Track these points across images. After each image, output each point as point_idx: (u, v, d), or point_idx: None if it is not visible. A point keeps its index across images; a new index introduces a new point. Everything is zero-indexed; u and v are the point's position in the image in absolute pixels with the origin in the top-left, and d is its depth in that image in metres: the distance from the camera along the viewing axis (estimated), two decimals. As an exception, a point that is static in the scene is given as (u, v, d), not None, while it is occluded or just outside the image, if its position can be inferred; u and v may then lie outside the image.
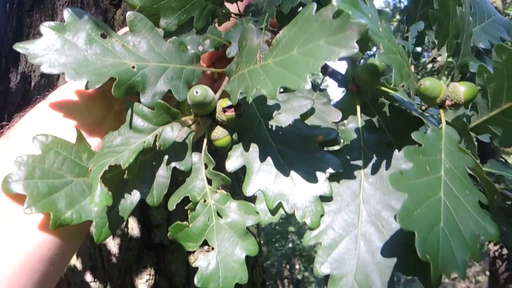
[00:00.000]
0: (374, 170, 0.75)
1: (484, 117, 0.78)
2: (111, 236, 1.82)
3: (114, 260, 1.97)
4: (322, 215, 0.70)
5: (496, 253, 5.52)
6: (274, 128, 0.74)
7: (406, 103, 0.78)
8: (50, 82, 2.01)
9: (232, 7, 0.83)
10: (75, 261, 1.90)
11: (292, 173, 0.71)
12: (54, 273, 0.69)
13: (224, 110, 0.71)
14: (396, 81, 0.69)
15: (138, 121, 0.69)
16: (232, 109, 0.71)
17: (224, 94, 0.73)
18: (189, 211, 0.71)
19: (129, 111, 0.69)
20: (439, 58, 0.99)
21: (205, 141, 0.74)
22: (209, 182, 0.73)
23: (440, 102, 0.74)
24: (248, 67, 0.65)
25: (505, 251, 5.27)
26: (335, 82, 0.87)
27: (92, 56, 0.68)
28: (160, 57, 0.73)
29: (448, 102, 0.75)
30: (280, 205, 0.70)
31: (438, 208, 0.62)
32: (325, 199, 0.70)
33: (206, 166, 0.73)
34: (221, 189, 0.73)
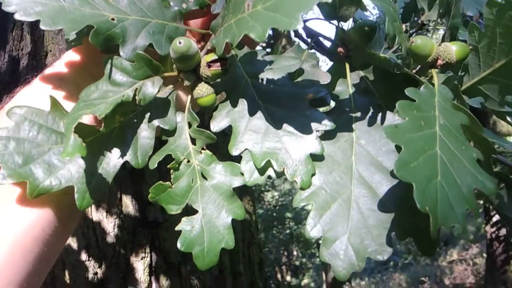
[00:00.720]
0: (366, 132, 0.73)
1: (476, 78, 0.77)
2: (105, 214, 1.91)
3: (108, 238, 1.95)
4: (313, 174, 0.67)
5: (493, 235, 5.55)
6: (261, 86, 0.72)
7: (399, 65, 0.77)
8: (38, 61, 1.97)
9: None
10: (69, 240, 1.88)
11: (281, 132, 0.68)
12: (50, 254, 0.66)
13: (209, 64, 0.68)
14: (389, 30, 0.68)
15: (117, 75, 0.66)
16: (218, 64, 0.68)
17: (209, 52, 0.70)
18: (171, 171, 0.67)
19: (108, 65, 0.66)
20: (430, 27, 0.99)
21: (188, 98, 0.71)
22: (193, 142, 0.70)
23: (431, 61, 0.74)
24: (236, 17, 0.63)
25: (502, 232, 5.31)
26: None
27: (69, 6, 0.65)
28: (141, 11, 0.70)
29: (439, 62, 0.74)
30: (268, 164, 0.67)
31: (435, 162, 0.60)
32: (316, 157, 0.68)
33: (189, 125, 0.70)
34: (206, 150, 0.69)
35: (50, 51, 1.89)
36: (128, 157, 0.67)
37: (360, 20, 0.85)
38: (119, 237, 1.98)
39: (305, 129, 0.68)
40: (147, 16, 0.70)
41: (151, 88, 0.66)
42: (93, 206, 1.90)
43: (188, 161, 0.68)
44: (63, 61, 0.73)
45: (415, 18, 1.09)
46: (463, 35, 0.97)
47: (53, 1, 0.65)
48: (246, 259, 2.29)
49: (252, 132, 0.69)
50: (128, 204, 2.03)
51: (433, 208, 0.56)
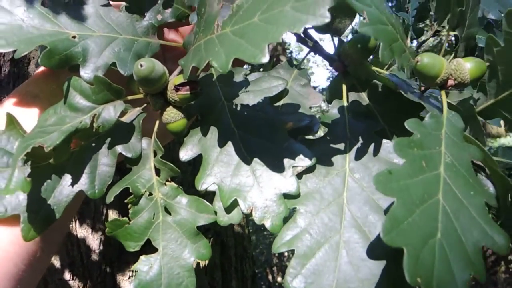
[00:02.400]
0: (362, 164, 0.65)
1: (494, 99, 0.68)
2: (90, 231, 1.79)
3: (94, 256, 1.87)
4: (285, 217, 0.61)
5: None
6: (238, 111, 0.66)
7: (403, 84, 0.68)
8: (20, 68, 1.93)
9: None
10: (52, 258, 1.81)
11: (254, 164, 0.63)
12: (28, 282, 0.65)
13: (177, 88, 0.63)
14: (384, 58, 0.58)
15: (76, 98, 0.63)
16: (187, 87, 0.63)
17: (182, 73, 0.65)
18: (129, 205, 0.64)
19: (66, 86, 0.63)
20: (444, 33, 0.88)
21: (156, 124, 0.67)
22: (158, 172, 0.65)
23: (441, 81, 0.64)
24: (205, 37, 0.58)
25: None
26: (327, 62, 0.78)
27: (28, 26, 0.62)
28: (108, 27, 0.66)
29: (450, 82, 0.65)
30: (235, 203, 0.62)
31: (435, 215, 0.52)
32: (291, 197, 0.61)
33: (155, 153, 0.66)
34: (171, 182, 0.65)
35: (33, 58, 1.85)
36: (83, 185, 0.64)
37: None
38: (105, 254, 1.88)
39: (280, 164, 0.62)
40: (114, 31, 0.66)
41: (112, 113, 0.63)
42: (77, 222, 1.81)
43: (150, 194, 0.64)
44: (37, 76, 0.71)
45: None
46: (482, 40, 0.86)
47: (11, 19, 0.62)
48: (239, 275, 2.21)
49: (223, 164, 0.64)
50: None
51: (427, 279, 0.47)
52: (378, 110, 0.71)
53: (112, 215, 1.90)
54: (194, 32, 0.63)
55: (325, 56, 0.73)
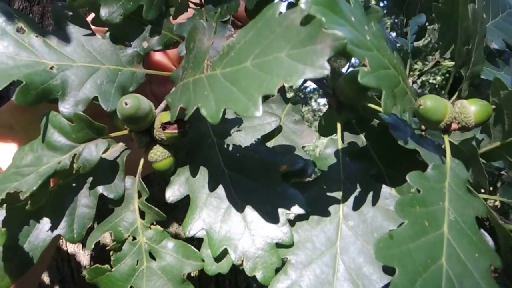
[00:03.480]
0: (356, 210, 0.63)
1: (499, 142, 0.67)
2: (80, 246, 1.76)
3: (84, 272, 1.84)
4: (277, 268, 0.59)
5: None
6: (228, 150, 0.63)
7: (399, 125, 0.66)
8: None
9: (192, -5, 0.72)
10: (43, 275, 1.76)
11: (246, 210, 0.60)
12: None
13: (164, 126, 0.60)
14: (387, 107, 0.55)
15: (54, 136, 0.59)
16: (174, 126, 0.60)
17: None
18: (111, 252, 0.61)
19: (44, 122, 0.59)
20: (445, 64, 0.86)
21: (141, 162, 0.64)
22: (142, 215, 0.63)
23: (444, 126, 0.62)
24: (194, 76, 0.54)
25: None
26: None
27: (1, 55, 0.58)
28: (90, 56, 0.62)
29: (454, 126, 0.63)
30: (225, 252, 0.60)
31: (438, 282, 0.50)
32: (284, 246, 0.59)
33: (139, 194, 0.63)
34: (156, 225, 0.62)
35: None
36: (61, 229, 0.61)
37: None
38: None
39: (273, 211, 0.59)
40: (96, 61, 0.62)
41: (94, 152, 0.59)
42: None
43: (134, 238, 0.62)
44: (11, 105, 0.68)
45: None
46: (485, 72, 0.84)
47: (-18, 47, 0.58)
48: (233, 287, 2.20)
49: (212, 208, 0.61)
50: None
51: None
52: (375, 149, 0.69)
53: None
54: (183, 66, 0.60)
55: (322, 85, 0.70)
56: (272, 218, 0.59)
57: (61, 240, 1.72)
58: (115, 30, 0.64)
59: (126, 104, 0.57)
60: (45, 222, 0.60)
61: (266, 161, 0.62)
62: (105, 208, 0.64)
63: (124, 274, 0.61)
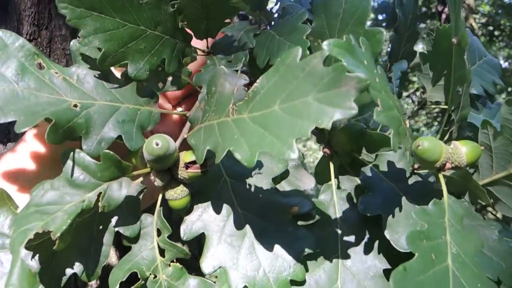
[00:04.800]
0: (353, 251, 0.69)
1: (487, 180, 0.74)
2: None
3: None
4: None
5: None
6: (241, 190, 0.67)
7: (385, 177, 0.73)
8: None
9: (200, 44, 0.77)
10: None
11: (260, 249, 0.64)
12: None
13: (187, 165, 0.64)
14: (394, 146, 0.62)
15: (77, 174, 0.61)
16: (197, 165, 0.64)
17: (186, 145, 0.66)
18: (135, 291, 0.62)
19: (69, 161, 0.60)
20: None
21: (159, 200, 0.66)
22: (162, 252, 0.65)
23: (440, 165, 0.68)
24: (218, 119, 0.58)
25: None
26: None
27: (23, 91, 0.60)
28: (110, 94, 0.65)
29: (448, 165, 0.69)
30: None
31: None
32: (297, 284, 0.64)
33: (159, 232, 0.66)
34: (176, 262, 0.65)
35: None
36: (77, 267, 0.62)
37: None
38: (102, 290, 1.82)
39: (287, 250, 0.64)
40: (116, 100, 0.65)
41: (118, 191, 0.61)
42: None
43: (155, 276, 0.64)
44: (26, 148, 0.68)
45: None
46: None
47: (4, 83, 0.59)
48: None
49: (227, 245, 0.65)
50: (112, 254, 1.94)
51: None
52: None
53: (112, 252, 1.86)
54: (203, 109, 0.64)
55: (318, 134, 0.76)
56: (285, 256, 0.64)
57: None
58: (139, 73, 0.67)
59: (157, 144, 0.59)
60: (61, 262, 0.61)
61: (277, 203, 0.66)
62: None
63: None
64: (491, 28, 10.24)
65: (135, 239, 0.65)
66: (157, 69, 0.69)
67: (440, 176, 0.70)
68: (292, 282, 0.63)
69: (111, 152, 0.60)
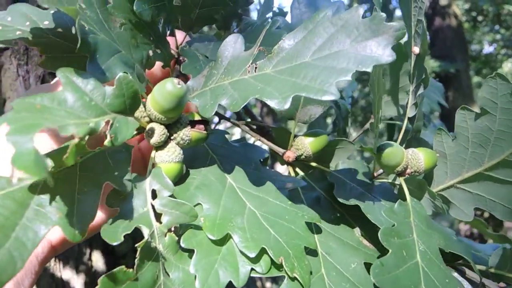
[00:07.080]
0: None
1: (441, 186, 0.81)
2: (74, 271, 1.82)
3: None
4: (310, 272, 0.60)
5: (468, 233, 5.48)
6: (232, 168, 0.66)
7: (345, 184, 0.77)
8: None
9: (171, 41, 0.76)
10: None
11: (262, 215, 0.62)
12: None
13: (193, 123, 0.58)
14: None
15: (77, 96, 0.48)
16: (202, 126, 0.59)
17: None
18: (139, 250, 0.48)
19: (68, 79, 0.49)
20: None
21: (151, 161, 0.57)
22: (157, 217, 0.53)
23: (400, 170, 0.74)
24: (231, 79, 0.58)
25: (475, 231, 5.22)
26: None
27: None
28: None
29: (408, 170, 0.75)
30: (263, 251, 0.57)
31: None
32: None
33: (154, 195, 0.54)
34: (172, 232, 0.53)
35: (9, 97, 1.71)
36: (63, 225, 0.46)
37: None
38: (89, 296, 1.77)
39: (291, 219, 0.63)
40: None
41: (125, 126, 0.51)
42: (60, 263, 1.77)
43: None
44: None
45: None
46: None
47: None
48: None
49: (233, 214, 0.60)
50: (98, 259, 1.88)
51: None
52: (331, 198, 0.76)
53: (96, 254, 1.84)
54: (207, 75, 0.61)
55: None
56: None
57: (55, 265, 1.77)
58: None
59: (178, 83, 0.54)
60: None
61: (273, 179, 0.65)
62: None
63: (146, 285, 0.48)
64: (474, 13, 10.31)
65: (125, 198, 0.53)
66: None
67: (402, 180, 0.75)
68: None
69: (128, 75, 0.52)
